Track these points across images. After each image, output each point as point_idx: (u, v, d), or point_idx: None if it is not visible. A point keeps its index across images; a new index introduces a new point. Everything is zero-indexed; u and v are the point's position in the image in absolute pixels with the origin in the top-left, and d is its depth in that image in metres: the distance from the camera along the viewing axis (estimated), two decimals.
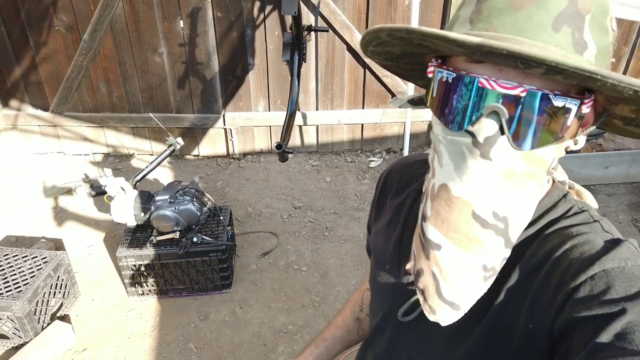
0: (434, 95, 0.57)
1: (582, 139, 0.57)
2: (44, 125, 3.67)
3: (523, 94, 0.49)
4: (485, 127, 0.51)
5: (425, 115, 3.67)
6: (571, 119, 0.51)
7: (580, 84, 0.47)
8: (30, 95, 3.62)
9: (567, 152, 0.59)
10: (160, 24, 3.33)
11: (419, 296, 0.60)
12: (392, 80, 3.54)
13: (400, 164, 0.84)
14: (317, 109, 3.68)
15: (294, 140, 3.76)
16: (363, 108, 3.69)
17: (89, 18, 3.29)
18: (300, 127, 3.70)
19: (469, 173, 0.53)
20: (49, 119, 3.64)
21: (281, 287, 2.49)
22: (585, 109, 0.52)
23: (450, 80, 0.53)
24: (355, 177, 3.51)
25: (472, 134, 0.52)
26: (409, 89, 3.28)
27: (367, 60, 3.46)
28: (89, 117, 3.64)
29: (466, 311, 0.57)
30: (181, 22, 3.32)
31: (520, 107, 0.50)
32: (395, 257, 0.73)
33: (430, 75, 0.57)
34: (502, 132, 0.51)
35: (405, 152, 3.31)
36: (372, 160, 3.71)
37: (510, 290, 0.57)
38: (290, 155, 2.17)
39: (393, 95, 3.61)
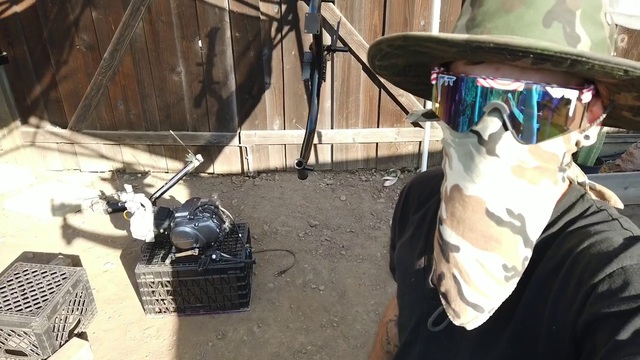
0: (439, 100, 0.59)
1: (593, 134, 0.57)
2: (62, 142, 3.71)
3: (520, 89, 0.51)
4: (489, 125, 0.52)
5: (442, 134, 3.67)
6: (573, 110, 0.52)
7: (569, 71, 0.48)
8: (49, 113, 3.67)
9: (579, 148, 0.59)
10: (179, 44, 3.38)
11: (442, 300, 0.59)
12: (407, 99, 3.55)
13: (421, 179, 0.84)
14: (332, 128, 3.70)
15: (309, 158, 3.77)
16: (378, 127, 3.70)
17: (109, 37, 3.35)
18: (315, 145, 3.72)
19: (477, 171, 0.54)
20: (67, 136, 3.68)
21: (299, 307, 2.46)
22: (586, 99, 0.52)
23: (451, 84, 0.55)
24: (371, 196, 3.50)
25: (477, 133, 0.53)
26: (426, 108, 3.30)
27: (383, 80, 3.47)
28: (106, 134, 3.68)
29: (491, 313, 0.57)
30: (200, 41, 3.37)
31: (519, 101, 0.51)
32: (420, 270, 0.73)
33: (433, 83, 0.59)
34: (506, 128, 0.52)
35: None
36: (387, 180, 3.70)
37: (533, 292, 0.57)
38: (309, 172, 2.16)
39: (408, 114, 3.63)
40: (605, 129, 3.36)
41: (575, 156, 3.40)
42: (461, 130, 0.55)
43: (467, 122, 0.55)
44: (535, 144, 0.53)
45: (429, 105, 3.25)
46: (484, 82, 0.52)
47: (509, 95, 0.51)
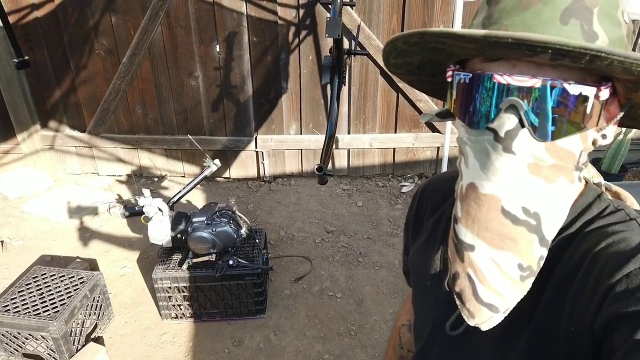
0: (454, 98, 0.58)
1: (610, 133, 0.56)
2: (80, 146, 3.74)
3: (538, 85, 0.50)
4: (505, 122, 0.52)
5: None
6: (590, 107, 0.51)
7: (588, 67, 0.47)
8: (68, 117, 3.70)
9: (596, 147, 0.58)
10: (197, 48, 3.38)
11: (456, 300, 0.58)
12: (425, 104, 3.51)
13: (434, 182, 0.83)
14: (349, 133, 3.66)
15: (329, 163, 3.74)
16: (395, 132, 3.66)
17: (128, 42, 3.37)
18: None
19: (494, 169, 0.53)
20: (85, 140, 3.70)
21: (316, 314, 2.43)
22: (603, 96, 0.52)
23: (467, 81, 0.55)
24: (388, 202, 3.46)
25: (493, 131, 0.53)
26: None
27: (401, 85, 3.45)
28: (123, 138, 3.70)
29: (506, 314, 0.56)
30: (217, 46, 3.37)
31: (536, 98, 0.50)
32: (436, 274, 0.72)
33: (449, 80, 0.58)
34: (522, 125, 0.51)
35: None
36: (404, 185, 3.65)
37: (551, 294, 0.56)
38: (330, 178, 2.14)
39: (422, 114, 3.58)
40: (630, 135, 3.28)
41: (599, 163, 3.33)
42: (477, 128, 0.55)
43: (483, 119, 0.54)
44: (552, 142, 0.52)
45: None
46: (500, 78, 0.51)
47: (525, 91, 0.50)
